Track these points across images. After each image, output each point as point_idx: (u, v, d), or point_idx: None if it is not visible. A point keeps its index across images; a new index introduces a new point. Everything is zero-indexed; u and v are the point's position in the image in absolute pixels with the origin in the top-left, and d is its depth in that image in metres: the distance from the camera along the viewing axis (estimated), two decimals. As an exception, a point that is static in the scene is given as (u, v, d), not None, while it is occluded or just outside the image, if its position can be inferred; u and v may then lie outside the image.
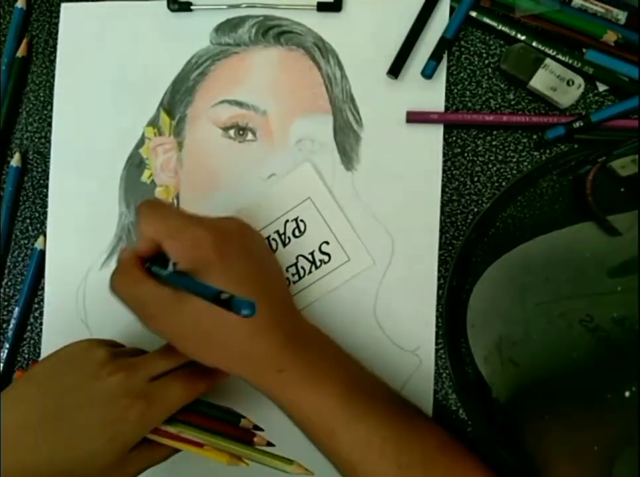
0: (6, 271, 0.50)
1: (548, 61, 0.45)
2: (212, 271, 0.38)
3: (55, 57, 0.50)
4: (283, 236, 0.47)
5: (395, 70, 0.47)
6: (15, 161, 0.50)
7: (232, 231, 0.41)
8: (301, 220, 0.47)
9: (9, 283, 0.50)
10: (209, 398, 0.43)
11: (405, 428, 0.40)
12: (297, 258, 0.47)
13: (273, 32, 0.48)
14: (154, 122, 0.49)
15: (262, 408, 0.43)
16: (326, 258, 0.47)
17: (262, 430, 0.42)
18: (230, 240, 0.40)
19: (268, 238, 0.47)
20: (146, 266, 0.40)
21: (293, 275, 0.47)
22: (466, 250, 0.45)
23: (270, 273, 0.43)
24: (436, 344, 0.46)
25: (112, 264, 0.49)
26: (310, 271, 0.47)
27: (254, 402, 0.45)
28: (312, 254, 0.47)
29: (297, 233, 0.47)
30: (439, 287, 0.46)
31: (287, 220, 0.47)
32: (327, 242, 0.47)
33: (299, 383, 0.39)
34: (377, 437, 0.39)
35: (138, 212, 0.41)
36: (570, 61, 0.46)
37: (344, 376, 0.41)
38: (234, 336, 0.39)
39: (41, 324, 0.49)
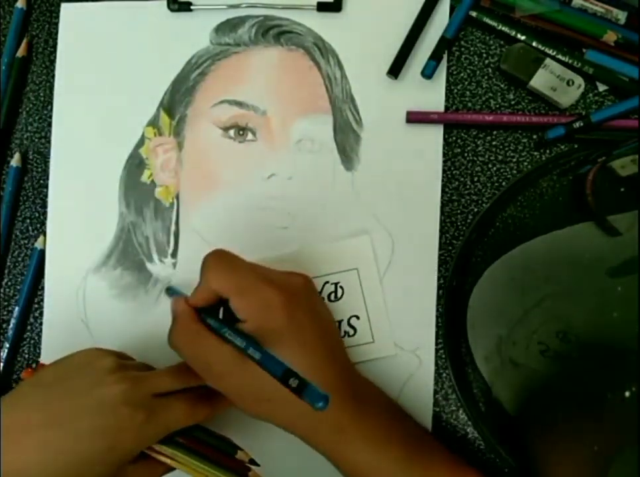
0: (6, 271, 0.50)
1: (548, 61, 0.45)
2: (280, 337, 0.38)
3: (55, 57, 0.50)
4: None
5: (395, 70, 0.47)
6: (15, 161, 0.50)
7: (300, 291, 0.41)
8: (341, 287, 0.46)
9: (9, 283, 0.50)
10: (209, 425, 0.43)
11: None
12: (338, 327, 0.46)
13: (273, 32, 0.48)
14: (154, 122, 0.49)
15: (262, 441, 0.45)
16: (352, 331, 0.46)
17: (258, 465, 0.42)
18: (299, 302, 0.40)
19: None
20: (202, 317, 0.40)
21: None
22: (466, 250, 0.45)
23: (332, 332, 0.43)
24: (436, 344, 0.46)
25: (111, 264, 0.49)
26: None
27: (254, 434, 0.46)
28: (340, 323, 0.46)
29: (332, 298, 0.46)
30: (439, 287, 0.46)
31: (327, 282, 0.46)
32: (358, 317, 0.46)
33: (358, 443, 0.39)
34: None
35: (205, 261, 0.40)
36: (570, 61, 0.46)
37: (403, 435, 0.41)
38: (297, 400, 0.38)
39: (41, 324, 0.49)
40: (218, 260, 0.40)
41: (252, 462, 0.42)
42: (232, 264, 0.40)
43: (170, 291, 0.46)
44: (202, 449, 0.42)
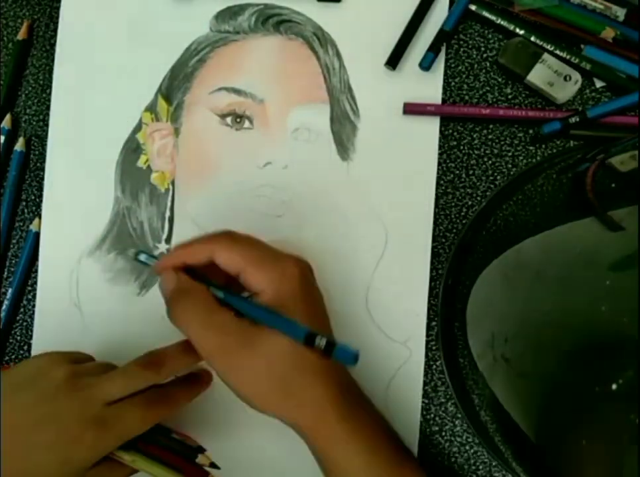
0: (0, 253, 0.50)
1: (546, 56, 0.45)
2: (296, 306, 0.38)
3: (55, 41, 0.50)
4: None
5: (393, 61, 0.47)
6: (19, 145, 0.50)
7: (309, 268, 0.41)
8: None
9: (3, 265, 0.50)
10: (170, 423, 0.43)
11: None
12: None
13: (272, 20, 0.48)
14: (151, 108, 0.49)
15: (223, 438, 0.45)
16: None
17: (218, 468, 0.42)
18: (309, 279, 0.40)
19: None
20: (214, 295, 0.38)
21: None
22: (462, 248, 0.45)
23: (327, 316, 0.42)
24: (427, 335, 0.46)
25: (105, 248, 0.49)
26: None
27: (218, 433, 0.46)
28: None
29: None
30: (431, 279, 0.46)
31: None
32: None
33: (354, 435, 0.38)
34: None
35: (214, 236, 0.39)
36: (568, 57, 0.46)
37: (392, 439, 0.41)
38: (310, 382, 0.37)
39: (34, 306, 0.49)
40: (230, 236, 0.39)
41: (213, 465, 0.42)
42: (246, 238, 0.40)
43: (141, 255, 0.42)
44: (162, 454, 0.41)
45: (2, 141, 0.50)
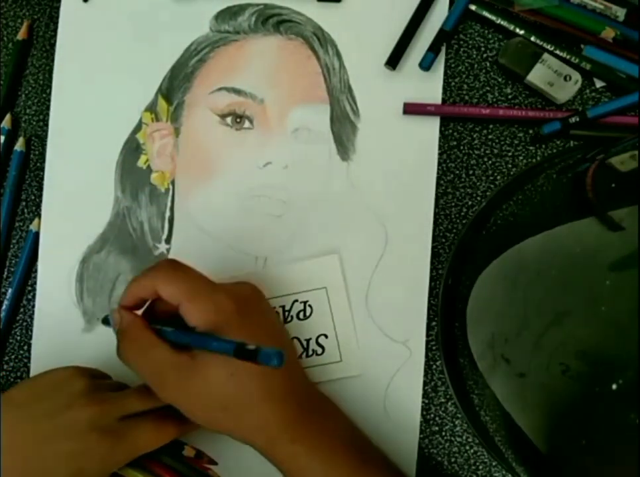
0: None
1: (546, 56, 0.45)
2: (233, 336, 0.38)
3: (55, 41, 0.50)
4: (286, 313, 0.47)
5: (393, 61, 0.47)
6: (19, 145, 0.50)
7: (249, 297, 0.41)
8: (309, 306, 0.46)
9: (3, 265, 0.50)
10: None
11: None
12: (292, 339, 0.47)
13: (272, 20, 0.48)
14: (151, 108, 0.49)
15: (235, 455, 0.45)
16: (320, 350, 0.46)
17: None
18: (249, 306, 0.40)
19: None
20: (153, 327, 0.39)
21: None
22: (462, 248, 0.45)
23: (283, 338, 0.43)
24: (427, 335, 0.46)
25: (105, 249, 0.49)
26: (299, 357, 0.46)
27: (226, 448, 0.45)
28: (308, 341, 0.46)
29: (301, 316, 0.46)
30: (431, 279, 0.46)
31: (296, 300, 0.46)
32: (326, 336, 0.46)
33: (311, 453, 0.39)
34: None
35: (157, 267, 0.40)
36: (568, 57, 0.46)
37: (354, 447, 0.41)
38: (251, 406, 0.38)
39: (34, 306, 0.49)
40: (170, 267, 0.40)
41: None
42: (183, 270, 0.40)
43: (107, 321, 0.44)
44: (167, 475, 0.42)
45: (2, 141, 0.50)
